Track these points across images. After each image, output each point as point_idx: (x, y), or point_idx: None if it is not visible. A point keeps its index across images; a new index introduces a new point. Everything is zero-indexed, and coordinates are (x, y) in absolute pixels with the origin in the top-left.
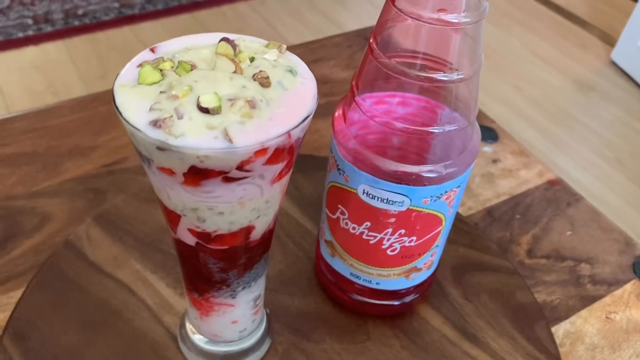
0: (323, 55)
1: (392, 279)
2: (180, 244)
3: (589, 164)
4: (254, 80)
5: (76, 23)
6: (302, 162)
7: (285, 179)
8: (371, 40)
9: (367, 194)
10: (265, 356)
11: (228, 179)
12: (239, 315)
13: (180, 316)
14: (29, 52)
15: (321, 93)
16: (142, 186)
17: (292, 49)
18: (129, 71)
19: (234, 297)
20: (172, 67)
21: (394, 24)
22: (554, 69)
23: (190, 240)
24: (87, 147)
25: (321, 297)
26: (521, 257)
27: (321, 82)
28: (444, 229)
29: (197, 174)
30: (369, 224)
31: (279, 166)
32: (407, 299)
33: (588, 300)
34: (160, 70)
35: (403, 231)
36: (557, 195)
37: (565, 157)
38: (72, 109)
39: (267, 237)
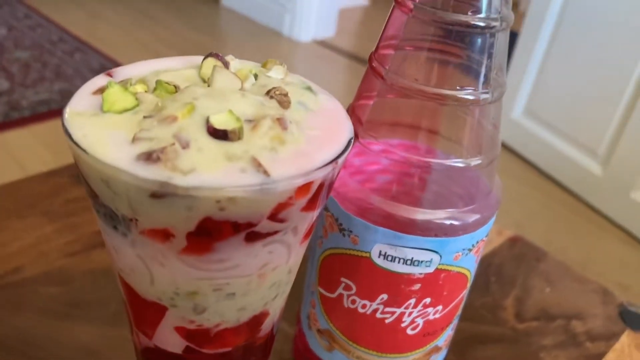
0: None
1: None
2: (154, 357)
3: None
4: (270, 98)
5: None
6: None
7: (310, 237)
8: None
9: (384, 256)
10: None
11: (253, 237)
12: None
13: None
14: None
15: None
16: (51, 299)
17: None
18: (82, 99)
19: None
20: (146, 90)
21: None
22: None
23: (176, 345)
24: None
25: None
26: (512, 323)
27: None
28: (467, 291)
29: (210, 233)
30: (385, 297)
31: (314, 214)
32: None
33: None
34: (133, 94)
35: (428, 300)
36: (523, 251)
37: None
38: None
39: (272, 331)
